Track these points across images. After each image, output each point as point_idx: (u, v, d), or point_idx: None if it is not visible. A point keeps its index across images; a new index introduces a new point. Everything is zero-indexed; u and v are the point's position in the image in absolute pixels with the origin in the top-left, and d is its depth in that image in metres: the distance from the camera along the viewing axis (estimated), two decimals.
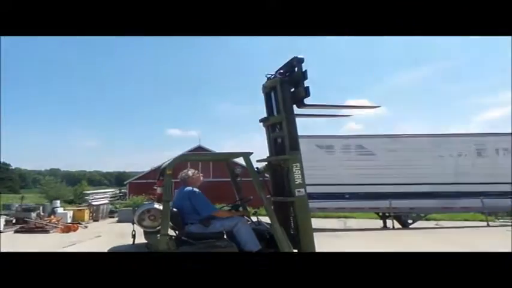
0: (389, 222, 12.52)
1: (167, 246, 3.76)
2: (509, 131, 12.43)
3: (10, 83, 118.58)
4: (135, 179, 32.40)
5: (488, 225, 12.28)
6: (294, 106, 4.61)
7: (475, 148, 12.52)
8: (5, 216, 13.26)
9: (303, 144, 11.34)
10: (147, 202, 4.33)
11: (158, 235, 3.81)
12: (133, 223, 4.03)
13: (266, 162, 5.24)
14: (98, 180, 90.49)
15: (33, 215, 13.88)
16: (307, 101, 4.57)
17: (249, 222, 4.59)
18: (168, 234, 3.85)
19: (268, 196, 4.86)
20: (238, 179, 5.09)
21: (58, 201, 18.36)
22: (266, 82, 4.76)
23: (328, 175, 11.87)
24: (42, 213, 14.57)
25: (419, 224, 12.66)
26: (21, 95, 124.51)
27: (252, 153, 4.38)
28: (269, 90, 4.74)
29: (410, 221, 12.50)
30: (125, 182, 34.87)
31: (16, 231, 12.39)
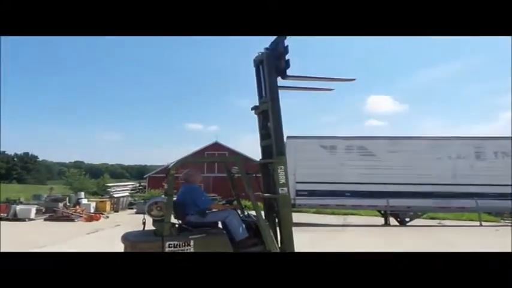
0: (392, 220, 13.17)
1: (169, 232, 4.65)
2: (510, 135, 12.85)
3: (34, 79, 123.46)
4: (154, 173, 33.82)
5: (480, 225, 12.72)
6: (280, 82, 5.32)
7: (474, 151, 12.95)
8: (35, 206, 14.58)
9: (307, 145, 12.18)
10: (160, 196, 5.19)
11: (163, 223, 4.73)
12: (143, 213, 4.97)
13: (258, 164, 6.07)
14: (119, 173, 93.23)
15: (61, 205, 15.19)
16: (289, 72, 5.26)
17: (242, 215, 5.45)
18: (170, 222, 4.74)
19: (258, 193, 5.72)
20: (234, 177, 5.96)
21: (82, 193, 19.73)
22: (256, 56, 5.45)
23: (331, 174, 12.59)
24: (68, 204, 15.87)
25: (419, 222, 13.20)
26: (44, 90, 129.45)
27: (242, 157, 5.23)
28: (258, 64, 5.46)
29: (407, 219, 13.07)
30: (145, 176, 36.53)
31: (46, 219, 13.70)
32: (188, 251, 4.59)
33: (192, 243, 4.64)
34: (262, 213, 5.36)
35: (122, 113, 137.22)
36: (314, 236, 9.48)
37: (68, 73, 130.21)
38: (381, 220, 13.66)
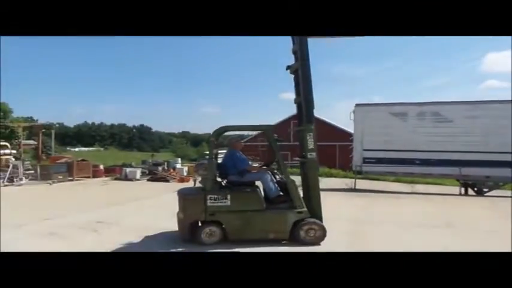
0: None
1: (211, 187, 5.67)
2: None
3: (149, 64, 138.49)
4: (245, 141, 36.26)
5: None
6: None
7: None
8: (140, 169, 17.55)
9: (376, 112, 12.11)
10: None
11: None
12: (195, 172, 6.13)
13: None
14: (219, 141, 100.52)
15: (160, 168, 17.92)
16: None
17: (278, 177, 6.19)
18: (212, 179, 5.71)
19: (297, 158, 6.37)
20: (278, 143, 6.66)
21: (179, 159, 22.62)
22: None
23: (401, 141, 12.21)
24: (166, 168, 18.59)
25: (504, 193, 11.97)
26: (156, 70, 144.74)
27: (272, 126, 5.92)
28: None
29: (486, 190, 11.98)
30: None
31: (148, 180, 16.47)
32: (225, 203, 5.58)
33: (228, 197, 5.62)
34: (297, 178, 6.02)
35: (219, 87, 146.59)
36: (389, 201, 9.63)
37: (169, 53, 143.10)
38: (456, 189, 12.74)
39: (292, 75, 6.30)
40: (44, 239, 5.71)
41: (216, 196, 5.60)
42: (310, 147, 5.89)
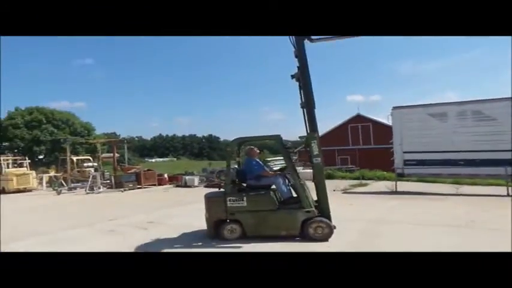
0: None
1: (230, 190, 6.63)
2: None
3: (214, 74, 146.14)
4: (302, 147, 36.79)
5: None
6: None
7: None
8: (198, 176, 19.24)
9: (413, 114, 12.18)
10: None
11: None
12: (217, 178, 7.19)
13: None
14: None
15: (215, 175, 19.45)
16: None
17: (291, 181, 6.93)
18: (230, 184, 6.65)
19: (307, 163, 7.07)
20: (291, 150, 7.44)
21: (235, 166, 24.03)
22: None
23: (442, 142, 11.90)
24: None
25: None
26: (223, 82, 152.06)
27: (279, 135, 6.68)
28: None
29: None
30: (295, 150, 39.95)
31: (204, 186, 17.99)
32: (242, 204, 6.49)
33: (244, 198, 6.53)
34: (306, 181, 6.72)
35: (282, 93, 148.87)
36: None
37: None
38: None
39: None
40: (107, 234, 7.25)
41: (234, 198, 6.57)
42: (315, 153, 6.57)
